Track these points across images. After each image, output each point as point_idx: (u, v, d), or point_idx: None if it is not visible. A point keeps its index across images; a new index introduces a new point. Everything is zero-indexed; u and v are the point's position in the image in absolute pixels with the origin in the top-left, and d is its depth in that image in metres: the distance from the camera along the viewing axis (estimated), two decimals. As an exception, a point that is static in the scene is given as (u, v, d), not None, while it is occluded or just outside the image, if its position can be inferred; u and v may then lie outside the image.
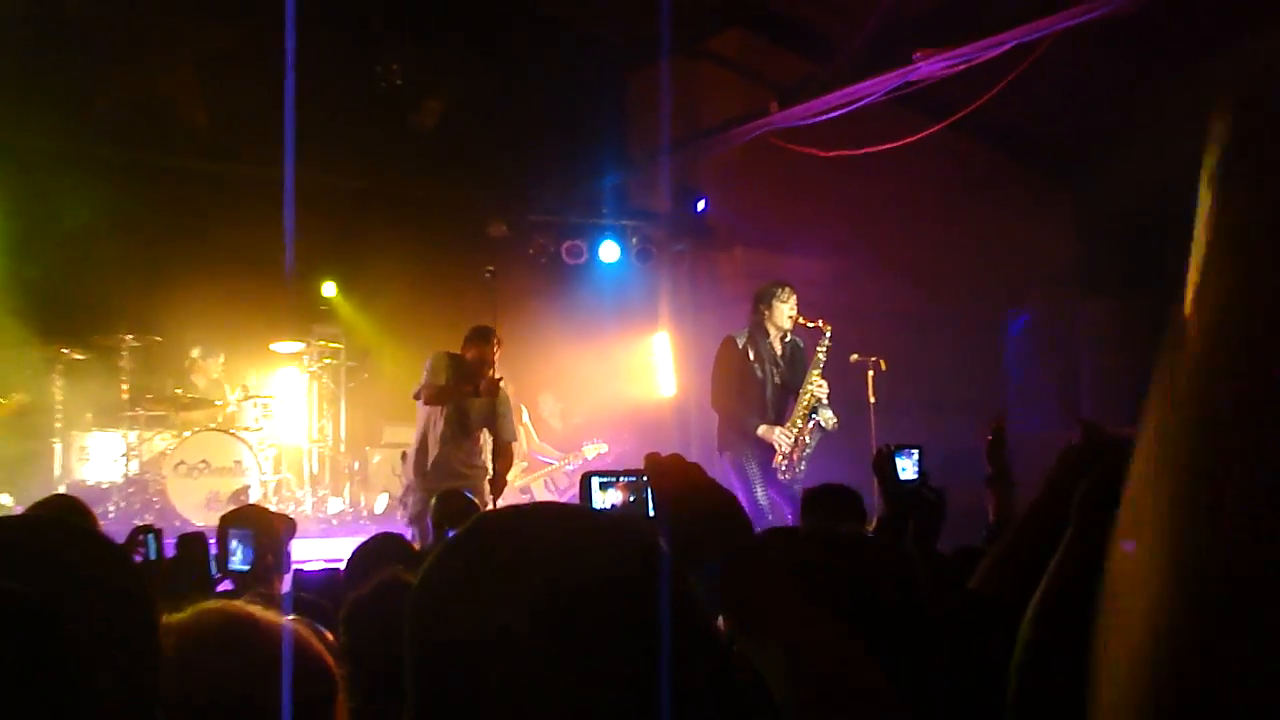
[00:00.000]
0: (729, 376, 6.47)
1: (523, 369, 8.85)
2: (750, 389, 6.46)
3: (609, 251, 9.43)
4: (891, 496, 2.73)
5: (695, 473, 1.19)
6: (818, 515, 3.41)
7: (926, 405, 9.14)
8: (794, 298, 6.48)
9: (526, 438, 8.70)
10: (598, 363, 9.67)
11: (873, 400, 7.12)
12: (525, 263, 9.35)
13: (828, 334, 6.47)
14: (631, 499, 1.28)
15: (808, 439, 6.42)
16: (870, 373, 7.12)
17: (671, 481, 1.17)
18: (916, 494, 2.66)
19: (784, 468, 6.37)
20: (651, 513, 1.21)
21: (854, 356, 7.11)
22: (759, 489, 6.29)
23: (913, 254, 9.52)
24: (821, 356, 6.49)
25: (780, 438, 6.33)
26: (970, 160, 9.63)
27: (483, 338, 6.23)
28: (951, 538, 2.75)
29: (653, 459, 1.20)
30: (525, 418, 8.80)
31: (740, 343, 6.48)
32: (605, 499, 1.29)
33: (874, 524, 2.80)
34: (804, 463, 6.41)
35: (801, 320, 6.43)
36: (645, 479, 1.23)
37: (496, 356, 6.18)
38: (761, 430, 6.35)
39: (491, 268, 6.48)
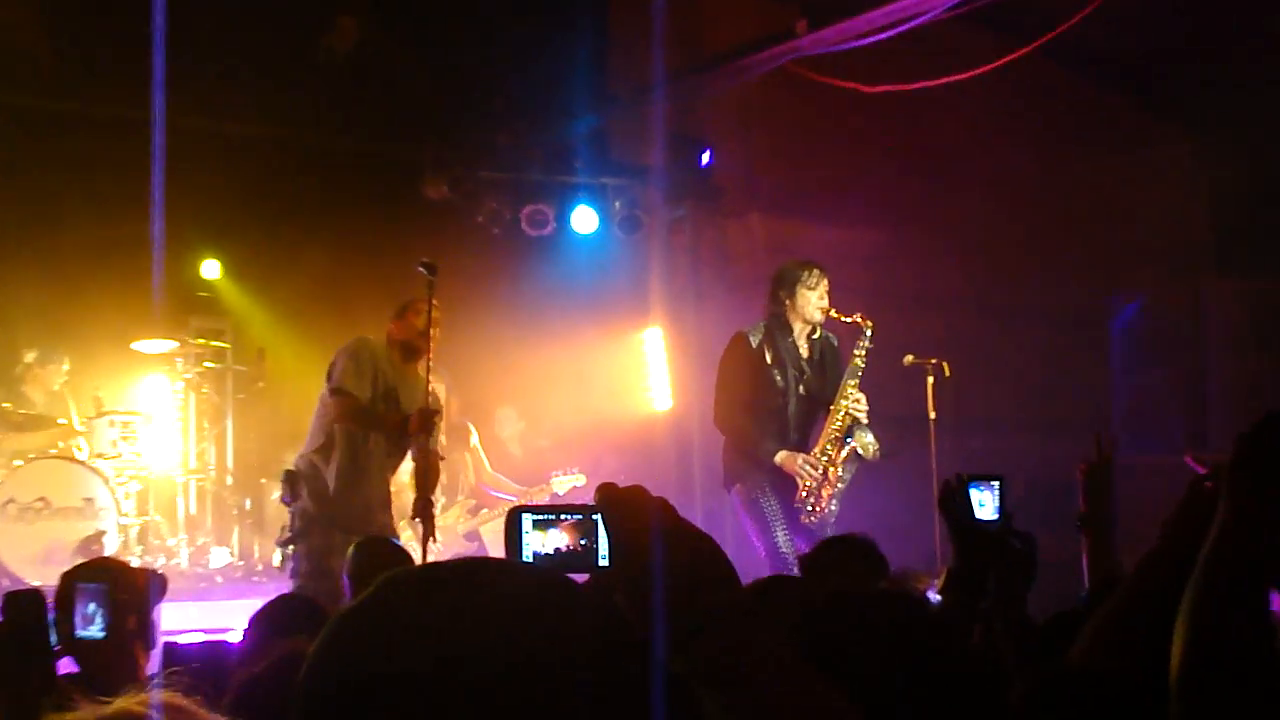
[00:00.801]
0: (739, 386, 6.57)
1: (471, 376, 8.94)
2: (767, 403, 6.56)
3: (584, 219, 9.51)
4: (964, 544, 2.68)
5: (663, 510, 1.22)
6: (820, 577, 3.52)
7: (1007, 422, 9.26)
8: (825, 282, 6.56)
9: (475, 467, 8.75)
10: (570, 368, 9.75)
11: (933, 416, 7.19)
12: (472, 235, 9.42)
13: (869, 330, 6.53)
14: (580, 543, 1.31)
15: (841, 470, 6.51)
16: (930, 379, 7.20)
17: (633, 521, 1.20)
18: (997, 540, 2.66)
19: (809, 506, 6.47)
20: (605, 561, 1.26)
21: (908, 359, 7.19)
22: (779, 532, 6.43)
23: (985, 222, 9.64)
24: (861, 361, 6.55)
25: (805, 468, 6.42)
26: (1060, 98, 9.70)
27: (409, 308, 6.24)
28: (1046, 598, 2.80)
29: (608, 491, 1.25)
30: (474, 440, 8.82)
31: (754, 341, 6.58)
32: (544, 543, 1.33)
33: (941, 580, 2.76)
34: (835, 501, 6.50)
35: (835, 313, 6.53)
36: (598, 517, 1.27)
37: (435, 322, 6.08)
38: (781, 458, 6.45)
39: (428, 261, 6.50)
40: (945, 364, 7.11)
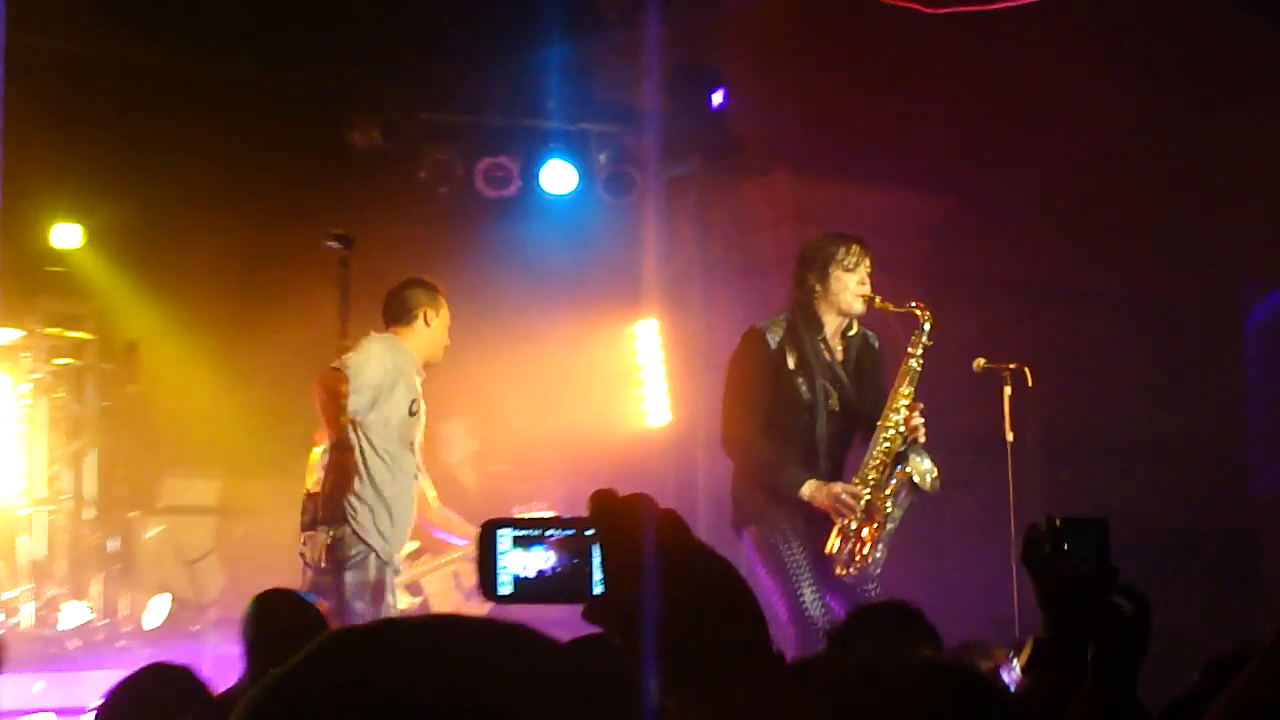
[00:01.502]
0: (753, 398, 6.64)
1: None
2: (789, 420, 6.63)
3: (558, 178, 9.52)
4: (1055, 607, 2.67)
5: (672, 525, 1.31)
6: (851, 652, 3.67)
7: (1109, 446, 9.31)
8: (868, 261, 6.62)
9: (424, 504, 8.60)
10: (539, 372, 9.75)
11: (1011, 438, 7.18)
12: (412, 196, 9.47)
13: (928, 324, 6.59)
14: (570, 562, 1.40)
15: (889, 506, 6.53)
16: (1007, 390, 7.20)
17: (635, 538, 1.29)
18: (1098, 602, 2.64)
19: (847, 555, 6.50)
20: (600, 588, 1.36)
21: (979, 363, 7.18)
22: (806, 589, 6.51)
23: (1080, 188, 9.64)
24: (916, 364, 6.60)
25: (841, 502, 6.47)
26: (1186, 29, 9.66)
27: (426, 306, 7.03)
28: (1159, 677, 2.83)
29: (604, 500, 1.34)
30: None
31: (773, 340, 6.64)
32: (525, 566, 1.41)
33: (1023, 654, 2.73)
34: (882, 548, 6.54)
35: (881, 301, 6.58)
36: (591, 532, 1.37)
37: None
38: (810, 490, 6.49)
39: (340, 233, 6.42)
40: (1027, 370, 7.13)
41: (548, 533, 1.41)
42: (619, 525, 1.32)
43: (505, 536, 1.42)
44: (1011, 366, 7.21)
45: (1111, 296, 9.85)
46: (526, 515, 1.88)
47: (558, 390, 9.78)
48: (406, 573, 8.47)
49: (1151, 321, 9.83)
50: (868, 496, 6.50)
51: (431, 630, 1.05)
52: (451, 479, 9.23)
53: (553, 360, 9.75)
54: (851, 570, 6.48)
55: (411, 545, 8.37)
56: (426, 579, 8.66)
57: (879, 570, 6.50)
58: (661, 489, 9.32)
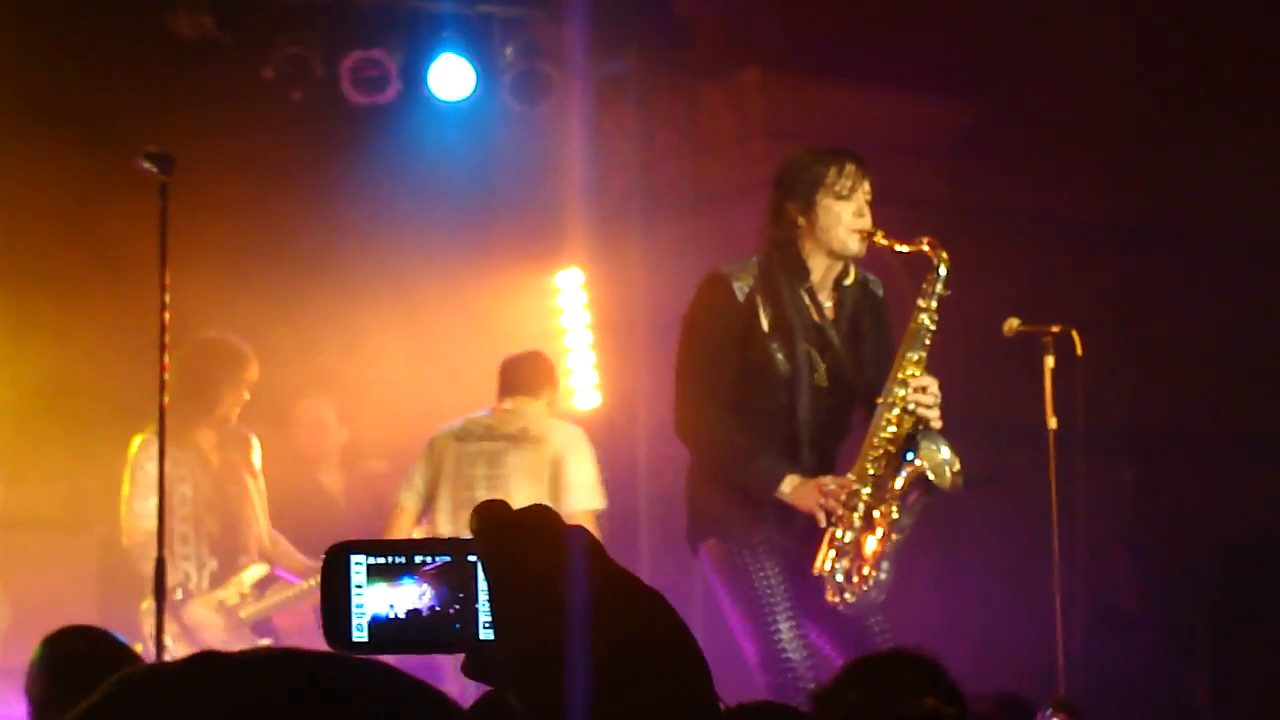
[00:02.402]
0: (715, 367, 6.74)
1: (255, 351, 8.87)
2: (763, 396, 6.74)
3: (450, 78, 9.56)
4: None
5: (584, 545, 1.29)
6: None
7: (1181, 438, 9.46)
8: (866, 185, 6.70)
9: (266, 514, 8.91)
10: (428, 337, 9.80)
11: (1053, 425, 7.33)
12: (256, 102, 9.48)
13: (944, 269, 6.66)
14: (449, 599, 1.39)
15: (896, 510, 6.59)
16: (1048, 361, 7.37)
17: (533, 565, 1.28)
18: None
19: (842, 577, 6.55)
20: (488, 633, 1.34)
21: (1011, 324, 7.33)
22: (782, 623, 6.58)
23: (1145, 91, 9.83)
24: (929, 320, 6.67)
25: (832, 498, 6.52)
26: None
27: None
28: None
29: (491, 516, 1.32)
30: (256, 460, 8.91)
31: (741, 291, 6.72)
32: (389, 604, 1.40)
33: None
34: (888, 567, 6.59)
35: (884, 239, 6.65)
36: (475, 559, 1.36)
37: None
38: (791, 488, 6.55)
39: (156, 151, 6.56)
40: (1076, 335, 7.30)
41: (418, 559, 1.39)
42: (511, 550, 1.30)
43: (360, 565, 1.40)
44: (1055, 330, 7.34)
45: (1190, 236, 9.99)
46: (394, 538, 1.49)
47: (454, 363, 9.78)
48: (254, 605, 8.67)
49: (1245, 269, 9.96)
50: (867, 497, 6.56)
51: (252, 669, 1.06)
52: (310, 482, 9.35)
53: (446, 323, 9.80)
54: (847, 597, 6.56)
55: (257, 570, 8.68)
56: (280, 615, 8.81)
57: (883, 596, 6.57)
58: None
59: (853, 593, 6.55)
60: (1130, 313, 9.02)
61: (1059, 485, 7.22)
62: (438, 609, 1.38)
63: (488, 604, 1.34)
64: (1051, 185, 9.71)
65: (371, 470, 9.60)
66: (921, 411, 6.58)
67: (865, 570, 6.57)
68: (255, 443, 8.84)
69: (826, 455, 6.76)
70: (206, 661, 1.09)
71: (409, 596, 1.38)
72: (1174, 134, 9.89)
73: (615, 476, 9.50)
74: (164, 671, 1.07)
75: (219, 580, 8.47)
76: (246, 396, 8.50)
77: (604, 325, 9.87)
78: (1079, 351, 7.30)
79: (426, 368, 9.85)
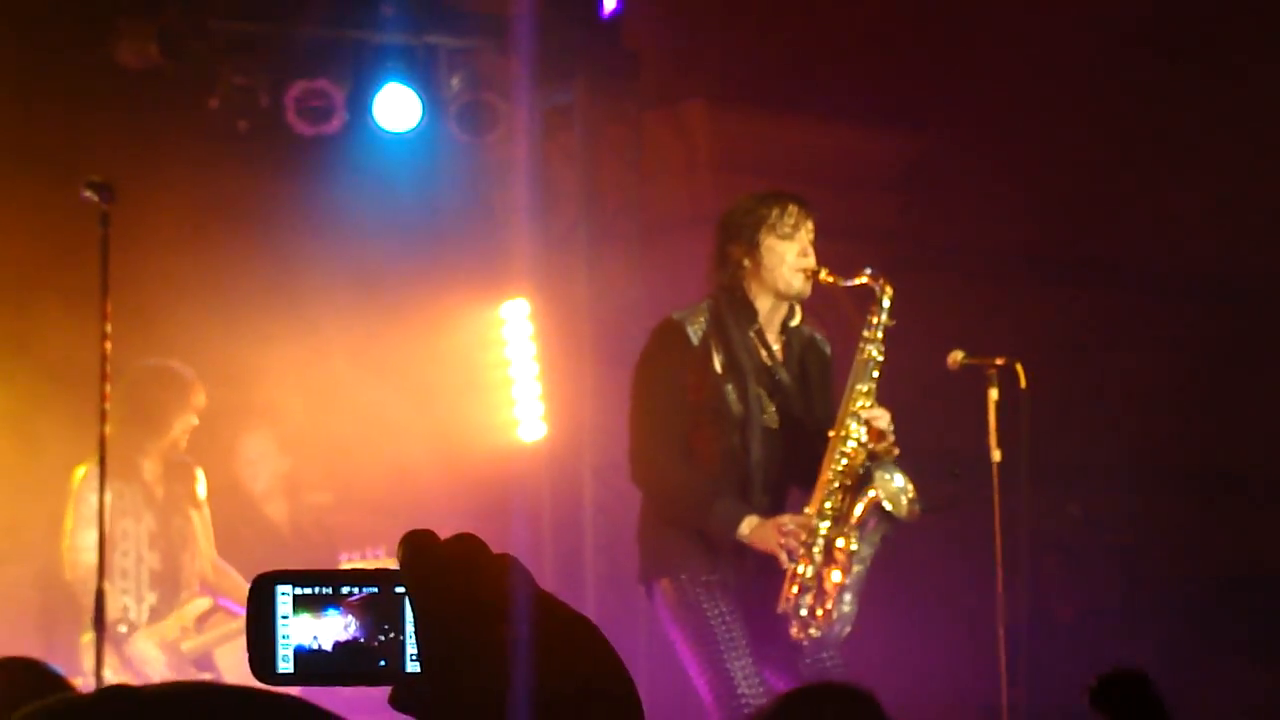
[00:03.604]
0: (672, 411, 6.81)
1: (206, 386, 8.89)
2: (717, 439, 6.80)
3: (396, 109, 9.55)
4: None
5: (513, 576, 1.29)
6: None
7: (1130, 472, 9.48)
8: (809, 224, 6.79)
9: (211, 545, 8.88)
10: (373, 369, 9.77)
11: (998, 458, 7.36)
12: (201, 131, 9.45)
13: (887, 300, 6.75)
14: (376, 630, 1.40)
15: (855, 542, 6.68)
16: (992, 395, 7.38)
17: (465, 597, 1.28)
18: None
19: (805, 611, 6.62)
20: (415, 665, 1.35)
21: (956, 357, 7.35)
22: (736, 663, 6.60)
23: (1094, 126, 9.93)
24: (876, 352, 6.76)
25: (791, 536, 6.57)
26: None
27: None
28: None
29: (417, 546, 1.32)
30: (201, 491, 8.85)
31: (695, 334, 6.80)
32: (314, 636, 1.40)
33: None
34: (850, 599, 6.67)
35: (828, 275, 6.73)
36: (402, 590, 1.36)
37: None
38: (747, 530, 6.62)
39: (98, 181, 6.59)
40: (1020, 367, 7.30)
41: (344, 590, 1.40)
42: (437, 581, 1.29)
43: (286, 596, 1.40)
44: (999, 362, 7.31)
45: (1133, 271, 10.05)
46: (320, 569, 1.45)
47: (397, 394, 9.83)
48: (193, 640, 8.62)
49: (1189, 304, 10.02)
50: (826, 531, 6.62)
51: (159, 703, 1.07)
52: (254, 514, 9.30)
53: (390, 354, 9.82)
54: (812, 631, 6.63)
55: (200, 604, 8.63)
56: (221, 650, 8.74)
57: (847, 629, 6.64)
58: (533, 526, 9.52)
59: (817, 627, 6.62)
60: (1072, 344, 9.14)
61: (1002, 520, 7.25)
62: (363, 641, 1.38)
63: (414, 637, 1.35)
64: (998, 218, 9.80)
65: (315, 502, 9.58)
66: (873, 438, 6.67)
67: (828, 604, 6.63)
68: (199, 474, 8.80)
69: (778, 495, 6.81)
70: (116, 695, 1.09)
71: (334, 628, 1.39)
72: (1120, 167, 10.05)
73: (560, 511, 9.61)
74: (74, 704, 1.09)
75: (159, 614, 8.43)
76: (195, 421, 8.49)
77: (550, 356, 9.83)
78: (1023, 384, 7.30)
79: (370, 398, 9.83)
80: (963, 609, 8.50)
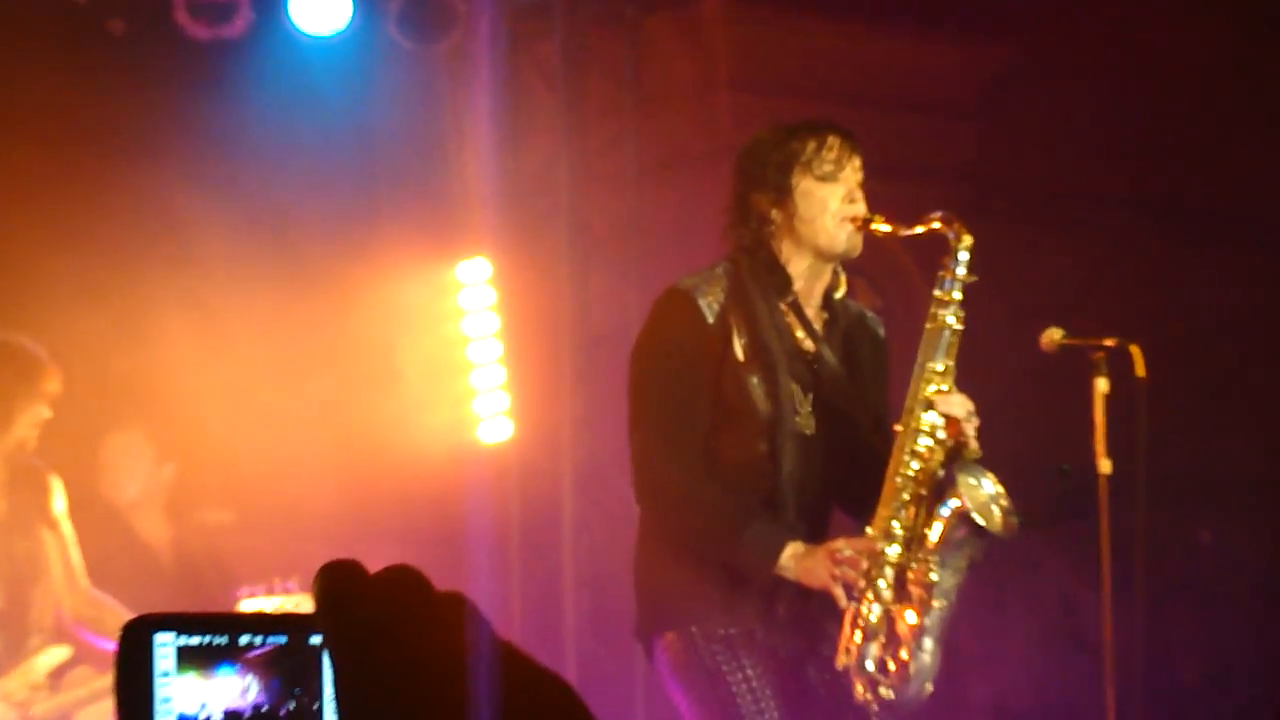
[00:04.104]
0: (683, 409, 6.56)
1: (63, 370, 8.64)
2: (737, 440, 6.56)
3: (319, 4, 9.35)
4: None
5: (465, 623, 1.32)
6: None
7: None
8: (857, 162, 6.55)
9: (66, 578, 8.56)
10: (288, 349, 9.64)
11: (1107, 469, 7.02)
12: (69, 35, 9.24)
13: (965, 250, 6.46)
14: (282, 701, 1.42)
15: (934, 569, 6.35)
16: (1100, 386, 7.11)
17: (402, 651, 1.29)
18: None
19: (873, 664, 6.28)
20: None
21: (1052, 337, 7.10)
22: None
23: (1222, 43, 9.64)
24: (954, 318, 6.47)
25: (850, 566, 6.28)
26: None
27: None
28: None
29: (340, 576, 1.35)
30: (58, 507, 8.60)
31: (710, 309, 6.55)
32: (203, 702, 1.41)
33: None
34: (932, 645, 6.32)
35: (883, 224, 6.49)
36: (319, 641, 1.40)
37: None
38: (791, 560, 6.34)
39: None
40: (1135, 349, 7.08)
41: (242, 641, 1.40)
42: (365, 629, 1.29)
43: (167, 648, 1.39)
44: (1108, 344, 7.11)
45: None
46: (212, 613, 1.54)
47: (317, 383, 9.72)
48: (46, 701, 8.43)
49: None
50: (895, 558, 6.29)
51: None
52: (124, 536, 9.11)
53: (309, 329, 9.65)
54: (884, 692, 6.24)
55: (58, 653, 8.44)
56: (84, 713, 8.49)
57: (929, 687, 6.30)
58: (499, 554, 9.37)
59: (890, 686, 6.21)
60: (1210, 325, 8.83)
61: (1112, 545, 6.92)
62: (267, 709, 1.40)
63: (334, 703, 1.37)
64: (1107, 156, 9.51)
65: (207, 521, 9.32)
66: (952, 431, 6.30)
67: (903, 653, 6.23)
68: (56, 485, 8.55)
69: (817, 521, 6.51)
70: None
71: (228, 691, 1.40)
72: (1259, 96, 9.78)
73: (533, 533, 9.54)
74: None
75: (2, 668, 8.23)
76: (47, 414, 8.22)
77: (518, 333, 9.65)
78: (1141, 373, 7.02)
79: (282, 388, 9.66)
80: (1058, 663, 8.39)
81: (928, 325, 6.39)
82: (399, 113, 9.67)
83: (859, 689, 6.21)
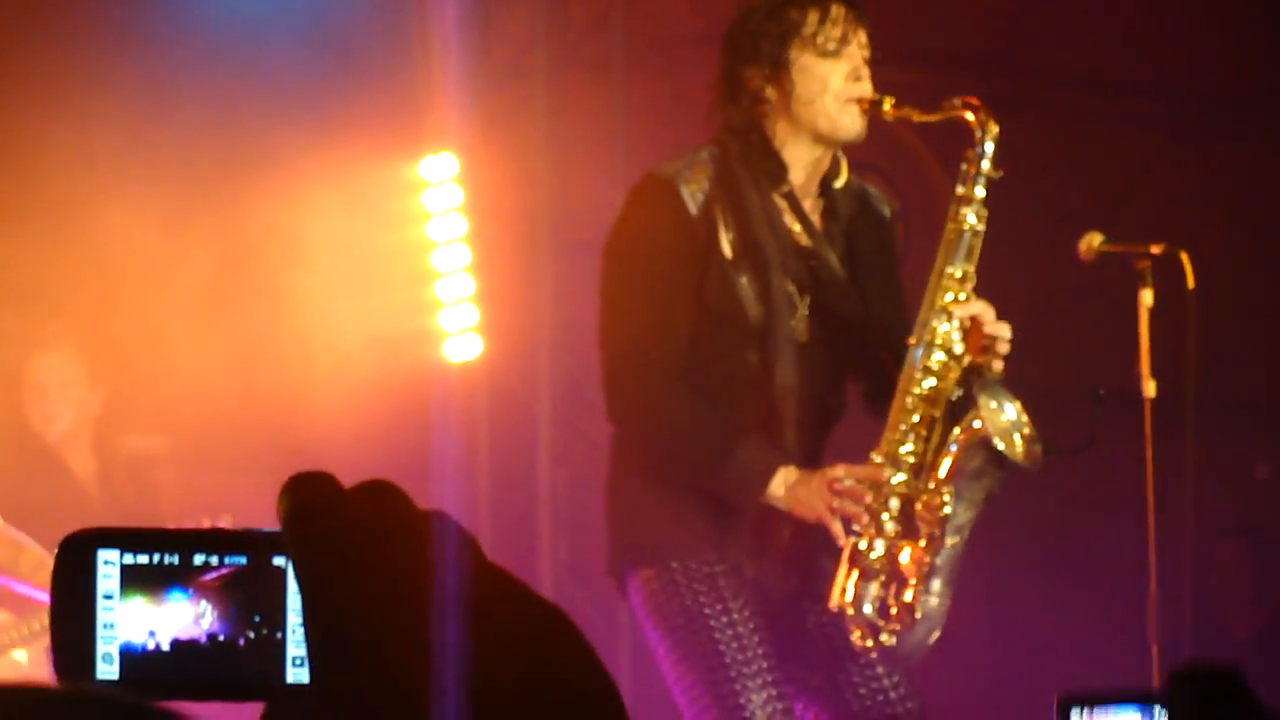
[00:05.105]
0: (663, 311, 6.45)
1: None
2: (725, 349, 6.47)
3: None
4: None
5: (458, 541, 1.33)
6: None
7: None
8: (862, 35, 6.41)
9: None
10: (229, 256, 9.50)
11: (1152, 392, 6.95)
12: None
13: (989, 142, 6.30)
14: (240, 630, 1.42)
15: (946, 499, 6.21)
16: (1145, 299, 7.01)
17: (379, 572, 1.30)
18: None
19: (872, 607, 6.19)
20: (300, 673, 1.40)
21: (1091, 243, 7.01)
22: (750, 691, 6.23)
23: None
24: (975, 217, 6.30)
25: (844, 503, 6.14)
26: None
27: None
28: None
29: (310, 490, 1.35)
30: None
31: (693, 200, 6.41)
32: (149, 627, 1.42)
33: None
34: (940, 585, 6.23)
35: (895, 108, 6.37)
36: (283, 561, 1.42)
37: None
38: (782, 489, 6.20)
39: None
40: (1185, 256, 6.98)
41: (197, 561, 1.39)
42: (336, 547, 1.26)
43: (111, 566, 1.39)
44: (1154, 251, 6.95)
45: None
46: (163, 529, 1.36)
47: (265, 295, 9.55)
48: None
49: None
50: (901, 487, 6.15)
51: None
52: (50, 466, 9.10)
53: (255, 235, 9.46)
54: (885, 638, 6.12)
55: None
56: (5, 660, 8.62)
57: (935, 634, 6.16)
58: (468, 486, 9.63)
59: (891, 631, 6.08)
60: (1269, 232, 8.48)
61: (1157, 477, 6.74)
62: (225, 638, 1.39)
63: (301, 630, 1.36)
64: (1156, 42, 9.16)
65: (138, 451, 9.09)
66: (975, 353, 6.16)
67: (907, 595, 6.12)
68: None
69: (814, 442, 6.39)
70: None
71: (180, 618, 1.39)
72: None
73: (505, 464, 9.57)
74: None
75: None
76: None
77: (489, 238, 9.49)
78: (1191, 284, 6.86)
79: (226, 301, 9.50)
80: (1096, 613, 8.21)
81: (948, 225, 6.26)
82: (352, 14, 9.55)
83: (856, 634, 6.14)
